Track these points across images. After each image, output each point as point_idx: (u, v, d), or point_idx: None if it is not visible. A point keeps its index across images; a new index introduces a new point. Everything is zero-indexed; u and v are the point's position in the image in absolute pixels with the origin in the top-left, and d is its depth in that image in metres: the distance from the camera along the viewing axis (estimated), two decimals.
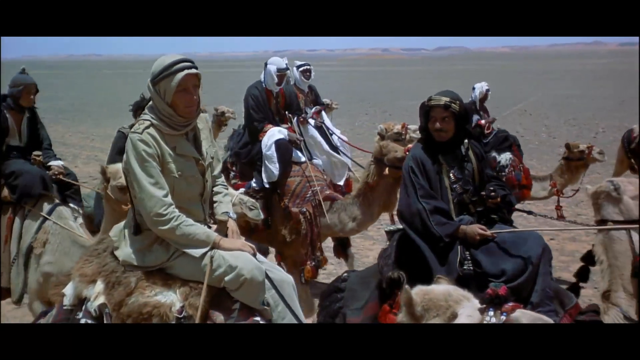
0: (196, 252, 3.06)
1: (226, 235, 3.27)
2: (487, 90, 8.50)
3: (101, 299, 3.10)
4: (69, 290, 3.27)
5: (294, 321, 3.15)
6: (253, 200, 5.13)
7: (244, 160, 6.79)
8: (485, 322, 2.39)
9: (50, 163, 5.63)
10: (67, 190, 5.66)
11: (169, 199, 3.04)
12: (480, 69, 78.77)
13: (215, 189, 3.44)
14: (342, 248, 7.32)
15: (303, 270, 6.08)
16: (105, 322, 3.05)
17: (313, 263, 6.09)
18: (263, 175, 6.52)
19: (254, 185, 6.52)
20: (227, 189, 3.62)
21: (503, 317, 2.38)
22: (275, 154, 6.46)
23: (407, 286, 2.62)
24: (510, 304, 2.43)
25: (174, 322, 2.98)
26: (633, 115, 22.95)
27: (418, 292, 2.59)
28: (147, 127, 3.08)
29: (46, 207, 5.29)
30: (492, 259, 3.66)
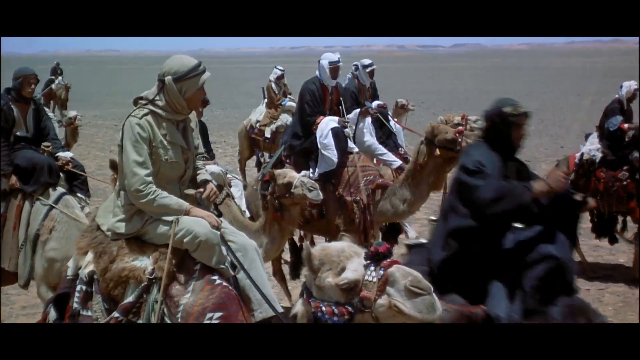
0: (168, 218, 3.49)
1: (198, 203, 3.66)
2: (636, 90, 7.61)
3: (90, 267, 3.56)
4: (71, 262, 3.76)
5: (252, 286, 3.50)
6: (312, 182, 5.32)
7: (298, 151, 6.81)
8: (366, 276, 2.61)
9: (58, 154, 5.80)
10: (75, 180, 5.88)
11: (150, 178, 3.45)
12: (496, 66, 78.30)
13: (195, 167, 3.83)
14: (393, 234, 7.37)
15: None
16: (94, 286, 3.52)
17: None
18: (320, 163, 6.59)
19: (310, 174, 6.47)
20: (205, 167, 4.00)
21: (381, 272, 2.61)
22: (332, 141, 6.52)
23: (306, 242, 2.89)
24: (389, 260, 2.64)
25: (145, 283, 3.42)
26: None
27: (318, 248, 2.82)
28: (146, 114, 3.50)
29: (53, 195, 5.47)
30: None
